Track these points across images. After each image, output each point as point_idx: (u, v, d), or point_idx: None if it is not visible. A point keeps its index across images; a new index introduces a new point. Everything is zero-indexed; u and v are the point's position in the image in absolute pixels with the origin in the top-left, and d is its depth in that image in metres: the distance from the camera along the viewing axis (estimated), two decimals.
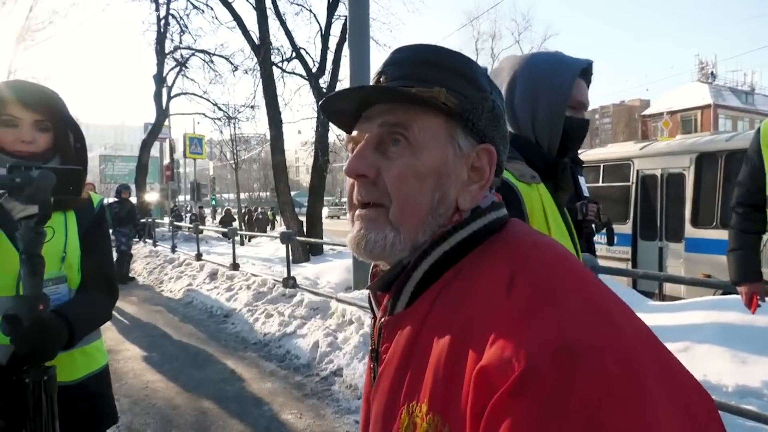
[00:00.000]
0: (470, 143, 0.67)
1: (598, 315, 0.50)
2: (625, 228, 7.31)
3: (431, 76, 0.65)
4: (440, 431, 0.53)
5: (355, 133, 0.69)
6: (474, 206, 0.66)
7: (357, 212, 0.67)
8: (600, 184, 7.81)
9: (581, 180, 4.03)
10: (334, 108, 0.70)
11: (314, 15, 15.38)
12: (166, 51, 18.54)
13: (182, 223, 18.64)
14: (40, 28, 22.58)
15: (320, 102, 0.70)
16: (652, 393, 0.44)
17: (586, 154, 7.72)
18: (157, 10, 17.67)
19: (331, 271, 8.99)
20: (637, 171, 7.45)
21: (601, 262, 3.54)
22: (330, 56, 14.58)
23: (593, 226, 3.83)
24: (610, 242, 4.12)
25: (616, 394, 0.43)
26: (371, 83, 0.70)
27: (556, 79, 1.30)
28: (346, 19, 10.26)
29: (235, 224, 22.89)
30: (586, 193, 4.00)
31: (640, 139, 14.93)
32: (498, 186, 0.74)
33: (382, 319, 0.67)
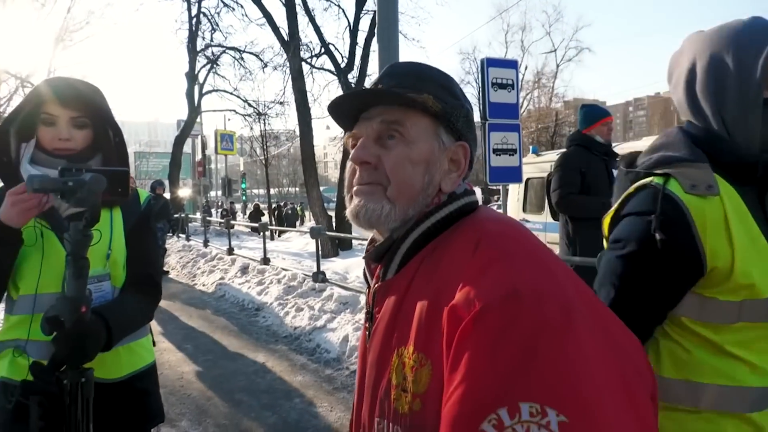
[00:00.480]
0: (450, 140, 0.82)
1: (539, 268, 0.65)
2: None
3: (420, 85, 0.81)
4: (423, 365, 0.67)
5: (355, 129, 0.83)
6: (452, 191, 0.81)
7: (356, 188, 0.81)
8: None
9: (616, 174, 3.92)
10: (340, 110, 0.84)
11: (343, 10, 15.45)
12: (198, 49, 18.89)
13: (213, 218, 18.97)
14: (77, 29, 23.16)
15: (330, 103, 0.83)
16: (579, 327, 0.59)
17: (620, 147, 7.53)
18: (189, 8, 18.00)
19: (360, 265, 9.01)
20: None
21: None
22: (358, 51, 14.64)
23: None
24: None
25: (550, 327, 0.58)
26: (364, 88, 0.87)
27: (744, 51, 1.03)
28: (374, 14, 10.25)
29: (264, 219, 23.18)
30: None
31: None
32: (661, 204, 0.96)
33: (376, 285, 0.82)
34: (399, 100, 0.79)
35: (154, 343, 1.81)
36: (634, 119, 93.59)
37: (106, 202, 1.38)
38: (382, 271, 0.81)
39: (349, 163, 0.84)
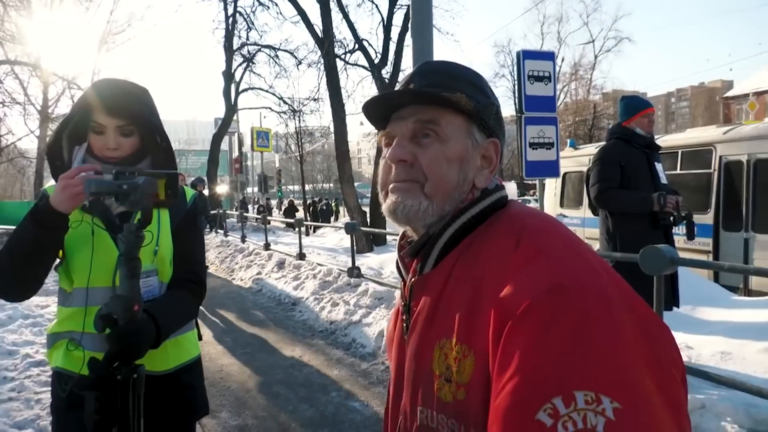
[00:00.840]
0: (482, 137, 0.85)
1: (578, 261, 0.68)
2: (705, 218, 6.85)
3: (452, 84, 0.83)
4: (466, 356, 0.70)
5: (389, 128, 0.86)
6: (485, 187, 0.85)
7: (393, 186, 0.83)
8: (677, 171, 7.35)
9: (659, 167, 3.80)
10: (374, 110, 0.87)
11: (376, 5, 15.41)
12: (234, 48, 19.21)
13: (249, 214, 19.31)
14: (119, 31, 23.91)
15: (365, 103, 0.86)
16: (619, 317, 0.61)
17: (662, 140, 7.29)
18: (225, 8, 18.30)
19: (394, 261, 9.02)
20: (720, 157, 6.95)
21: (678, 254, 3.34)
22: (392, 46, 14.58)
23: (671, 218, 3.61)
24: (690, 236, 3.82)
25: (595, 317, 0.60)
26: (399, 89, 0.86)
27: None
28: (408, 8, 10.20)
29: (299, 215, 23.45)
30: (664, 181, 3.77)
31: (723, 123, 13.93)
32: None
33: (413, 279, 0.84)
34: (434, 99, 0.81)
35: (200, 337, 1.86)
36: (676, 110, 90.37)
37: (157, 203, 1.40)
38: (419, 266, 0.83)
39: (383, 161, 0.87)
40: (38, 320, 5.62)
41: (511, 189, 36.38)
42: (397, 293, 5.84)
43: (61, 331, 1.53)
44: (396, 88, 0.88)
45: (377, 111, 0.87)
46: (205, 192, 12.60)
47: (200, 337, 1.86)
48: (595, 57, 39.69)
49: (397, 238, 0.95)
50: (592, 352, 0.58)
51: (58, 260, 1.51)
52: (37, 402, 3.65)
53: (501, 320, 0.65)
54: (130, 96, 1.49)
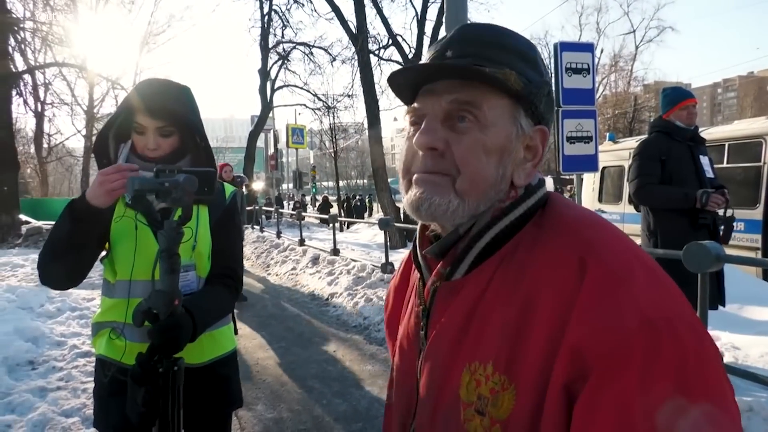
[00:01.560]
0: (529, 124, 0.71)
1: (661, 288, 0.58)
2: (754, 213, 6.55)
3: (500, 57, 0.69)
4: (506, 389, 0.61)
5: (418, 103, 0.72)
6: (526, 183, 0.71)
7: (418, 176, 0.70)
8: (724, 165, 7.06)
9: (704, 161, 3.65)
10: (402, 80, 0.73)
11: (410, 0, 15.33)
12: (270, 45, 19.47)
13: (284, 210, 19.58)
14: (160, 32, 24.62)
15: (392, 73, 0.72)
16: (709, 348, 0.55)
17: (708, 132, 7.01)
18: (261, 6, 18.56)
19: None
20: None
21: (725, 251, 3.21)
22: (426, 41, 14.50)
23: (715, 219, 3.46)
24: (726, 240, 3.65)
25: (691, 354, 0.53)
26: (431, 56, 0.73)
27: None
28: (442, 3, 10.11)
29: (333, 211, 23.63)
30: (710, 175, 3.62)
31: None
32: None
33: (437, 283, 0.73)
34: (478, 75, 0.67)
35: (236, 331, 1.89)
36: (723, 101, 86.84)
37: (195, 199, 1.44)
38: (448, 270, 0.72)
39: (406, 143, 0.73)
40: (84, 312, 5.85)
41: (547, 184, 35.70)
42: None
43: (104, 321, 1.59)
44: (430, 54, 0.74)
45: (406, 81, 0.73)
46: (243, 190, 12.83)
47: (236, 331, 1.89)
48: (636, 47, 38.51)
49: None
50: (696, 395, 0.53)
51: (104, 252, 1.57)
52: (84, 391, 3.80)
53: (578, 368, 0.55)
54: (169, 97, 1.53)
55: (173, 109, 1.52)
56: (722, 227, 3.58)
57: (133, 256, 1.51)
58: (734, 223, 3.62)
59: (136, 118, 1.52)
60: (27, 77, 18.03)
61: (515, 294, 0.64)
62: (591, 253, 0.61)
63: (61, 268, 1.48)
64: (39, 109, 24.14)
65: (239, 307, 6.78)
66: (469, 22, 4.87)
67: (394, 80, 0.74)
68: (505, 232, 0.69)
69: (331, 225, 10.28)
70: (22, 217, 14.21)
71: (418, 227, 0.82)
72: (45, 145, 26.35)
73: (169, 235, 1.25)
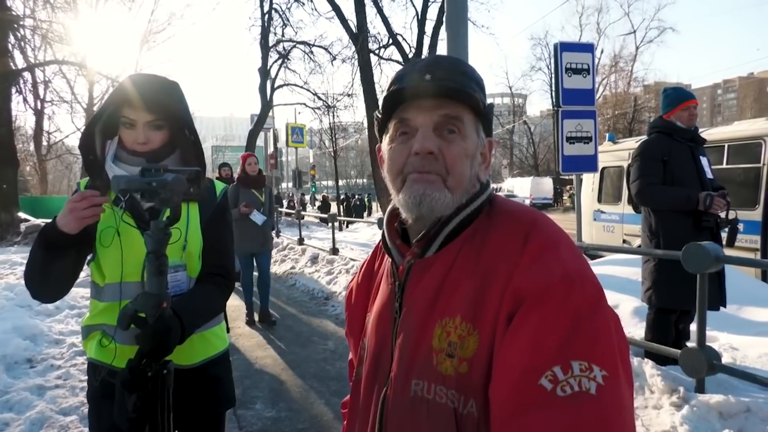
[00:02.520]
0: (483, 136, 0.91)
1: (579, 257, 0.79)
2: (753, 215, 6.55)
3: (468, 83, 0.87)
4: (471, 334, 0.78)
5: (408, 115, 0.87)
6: (482, 181, 0.92)
7: (415, 176, 0.85)
8: (724, 166, 7.05)
9: (704, 161, 3.65)
10: (398, 96, 0.88)
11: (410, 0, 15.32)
12: (270, 44, 19.44)
13: (283, 209, 19.55)
14: (160, 30, 24.59)
15: (390, 92, 0.87)
16: (604, 302, 0.75)
17: (708, 133, 7.01)
18: (261, 5, 18.54)
19: None
20: None
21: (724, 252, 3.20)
22: (426, 41, 14.53)
23: (717, 221, 3.46)
24: (731, 243, 3.64)
25: (591, 302, 0.73)
26: (411, 78, 0.88)
27: None
28: (443, 2, 10.11)
29: (333, 210, 23.60)
30: (710, 176, 3.62)
31: None
32: None
33: (412, 261, 0.89)
34: (462, 96, 0.85)
35: (228, 330, 1.87)
36: (723, 102, 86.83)
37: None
38: (420, 250, 0.88)
39: (396, 148, 0.88)
40: (83, 311, 5.84)
41: (546, 184, 35.72)
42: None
43: (94, 324, 1.58)
44: (409, 77, 0.89)
45: (395, 99, 0.88)
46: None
47: (228, 330, 1.87)
48: (637, 48, 38.55)
49: None
50: (587, 331, 0.70)
51: (90, 255, 1.55)
52: (82, 390, 3.79)
53: (516, 301, 0.74)
54: (159, 90, 1.50)
55: (163, 102, 1.49)
56: (727, 230, 3.57)
57: (121, 258, 1.48)
58: (737, 227, 3.61)
59: (124, 112, 1.49)
60: (27, 75, 17.99)
61: (477, 265, 0.82)
62: (533, 229, 0.81)
63: (45, 287, 1.50)
64: (38, 106, 24.13)
65: (237, 307, 6.76)
66: (469, 21, 4.86)
67: (392, 95, 0.88)
68: (467, 219, 0.87)
69: (330, 224, 10.27)
70: (21, 214, 14.18)
71: (385, 221, 0.97)
72: (44, 143, 26.33)
73: (156, 237, 1.23)
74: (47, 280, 1.47)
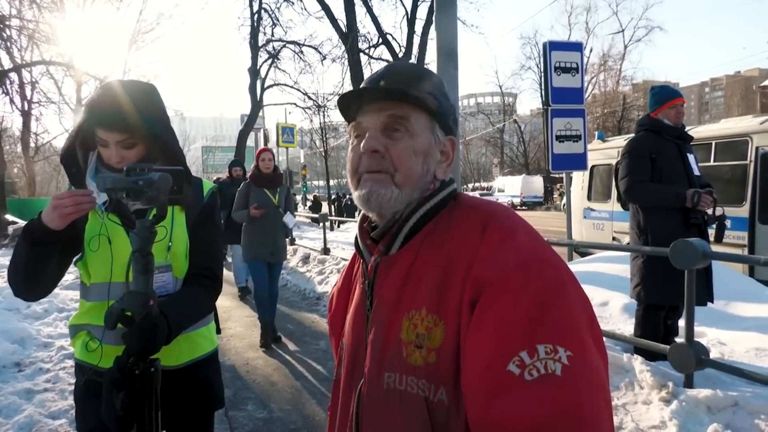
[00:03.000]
0: (442, 135, 0.95)
1: (537, 243, 0.82)
2: (740, 211, 6.62)
3: (421, 86, 0.92)
4: (437, 324, 0.81)
5: (361, 119, 0.93)
6: (443, 179, 0.95)
7: (366, 176, 0.90)
8: (711, 163, 7.13)
9: (691, 159, 3.68)
10: (346, 103, 0.95)
11: None
12: (260, 44, 19.35)
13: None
14: (148, 30, 24.42)
15: (341, 96, 0.93)
16: (568, 285, 0.77)
17: (695, 131, 7.07)
18: (251, 4, 18.45)
19: None
20: (757, 148, 6.70)
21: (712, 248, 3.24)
22: (416, 40, 14.54)
23: (704, 218, 3.49)
24: (719, 239, 3.68)
25: (551, 286, 0.75)
26: (368, 85, 0.94)
27: None
28: (432, 1, 10.13)
29: (324, 210, 23.56)
30: (697, 173, 3.65)
31: (760, 113, 13.44)
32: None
33: (378, 259, 0.92)
34: (407, 97, 0.89)
35: (219, 331, 1.87)
36: (710, 101, 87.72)
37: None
38: (385, 247, 0.92)
39: (353, 150, 0.94)
40: (72, 314, 5.75)
41: (536, 183, 35.88)
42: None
43: (80, 324, 1.58)
44: (365, 84, 0.95)
45: (350, 104, 0.95)
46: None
47: (219, 331, 1.86)
48: (625, 47, 38.84)
49: None
50: (550, 314, 0.72)
51: (79, 255, 1.55)
52: (71, 393, 3.74)
53: (476, 292, 0.77)
54: (130, 106, 1.45)
55: (134, 118, 1.45)
56: (714, 226, 3.60)
57: (110, 257, 1.48)
58: (725, 223, 3.65)
59: (97, 132, 1.47)
60: (13, 75, 17.77)
61: (439, 258, 0.85)
62: (490, 220, 0.84)
63: (29, 285, 1.49)
64: (26, 107, 23.82)
65: (228, 308, 6.72)
66: (459, 21, 4.87)
67: (344, 101, 0.94)
68: (428, 215, 0.91)
69: (321, 224, 10.25)
70: (9, 217, 14.05)
71: (358, 223, 1.01)
72: (32, 145, 26.00)
73: (142, 235, 1.23)
74: (30, 276, 1.46)
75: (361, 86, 0.94)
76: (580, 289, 0.80)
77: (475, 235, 0.83)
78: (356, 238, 1.01)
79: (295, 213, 5.94)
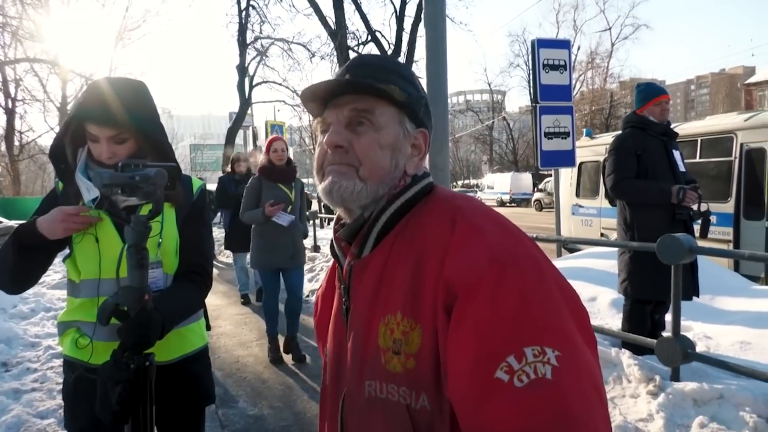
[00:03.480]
0: (412, 127, 0.91)
1: (509, 236, 0.78)
2: (725, 207, 6.72)
3: (386, 77, 0.88)
4: (413, 328, 0.77)
5: (325, 115, 0.90)
6: (414, 173, 0.90)
7: (329, 168, 0.87)
8: (697, 159, 7.22)
9: (677, 155, 3.72)
10: (311, 96, 0.90)
11: None
12: (248, 41, 19.24)
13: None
14: (135, 27, 24.17)
15: (304, 90, 0.89)
16: (547, 278, 0.73)
17: (681, 128, 7.15)
18: (239, 1, 18.33)
19: None
20: (741, 145, 6.80)
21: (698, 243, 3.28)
22: (405, 37, 14.54)
23: (689, 213, 3.54)
24: (704, 235, 3.72)
25: (530, 281, 0.71)
26: (333, 78, 0.90)
27: None
28: None
29: (314, 207, 23.49)
30: (683, 169, 3.69)
31: (744, 110, 13.59)
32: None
33: (351, 263, 0.88)
34: (370, 90, 0.86)
35: (209, 327, 1.87)
36: (696, 98, 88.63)
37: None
38: (357, 250, 0.88)
39: (319, 146, 0.90)
40: (59, 313, 5.68)
41: (525, 179, 36.07)
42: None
43: (69, 321, 1.57)
44: (332, 78, 0.92)
45: (314, 99, 0.91)
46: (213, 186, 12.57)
47: (209, 328, 1.87)
48: (612, 45, 39.18)
49: None
50: (532, 312, 0.69)
51: (67, 251, 1.55)
52: (59, 393, 3.71)
53: (450, 295, 0.73)
54: (121, 102, 1.45)
55: (125, 114, 1.45)
56: (699, 222, 3.65)
57: (98, 254, 1.49)
58: (709, 218, 3.69)
59: (87, 127, 1.47)
60: None
61: (409, 256, 0.81)
62: (459, 215, 0.80)
63: (16, 284, 1.51)
64: (10, 105, 23.49)
65: (219, 306, 6.68)
66: (447, 18, 4.88)
67: (306, 98, 0.90)
68: (398, 213, 0.86)
69: (311, 221, 10.23)
70: None
71: (333, 225, 0.98)
72: (16, 143, 25.63)
73: (138, 230, 1.23)
74: (18, 277, 1.48)
75: (325, 81, 0.90)
76: (559, 276, 0.76)
77: (443, 231, 0.79)
78: (332, 241, 0.97)
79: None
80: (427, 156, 0.94)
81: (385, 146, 0.86)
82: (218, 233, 11.69)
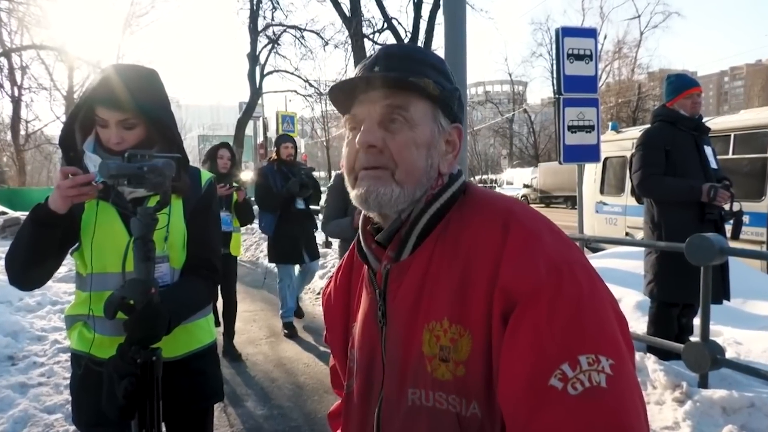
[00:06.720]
0: (447, 123, 0.86)
1: (563, 243, 0.76)
2: (759, 206, 6.42)
3: (419, 69, 0.83)
4: (462, 335, 0.75)
5: (355, 111, 0.85)
6: (449, 172, 0.87)
7: (363, 173, 0.83)
8: (729, 156, 6.93)
9: (708, 151, 3.55)
10: (339, 95, 0.86)
11: None
12: (259, 29, 19.10)
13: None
14: (143, 14, 24.16)
15: (334, 86, 0.84)
16: (599, 286, 0.73)
17: (713, 122, 6.87)
18: None
19: None
20: None
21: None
22: (423, 25, 14.34)
23: (721, 213, 3.37)
24: (736, 235, 3.57)
25: (585, 291, 0.71)
26: (360, 72, 0.85)
27: None
28: None
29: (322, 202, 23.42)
30: (714, 165, 3.53)
31: None
32: None
33: (388, 266, 0.85)
34: (404, 84, 0.81)
35: (218, 324, 1.81)
36: (729, 90, 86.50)
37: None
38: (395, 252, 0.84)
39: (348, 146, 0.86)
40: (65, 306, 5.70)
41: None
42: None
43: (77, 314, 1.57)
44: (358, 71, 0.87)
45: (343, 94, 0.86)
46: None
47: (218, 324, 1.81)
48: (641, 33, 38.23)
49: None
50: (587, 320, 0.68)
51: (75, 245, 1.54)
52: (66, 387, 3.69)
53: (509, 303, 0.71)
54: (131, 87, 1.45)
55: (136, 99, 1.45)
56: (731, 222, 3.50)
57: (106, 247, 1.48)
58: (742, 219, 3.54)
59: (97, 111, 1.46)
60: (3, 60, 17.64)
61: (455, 261, 0.79)
62: (511, 219, 0.77)
63: (27, 268, 1.48)
64: (16, 93, 23.45)
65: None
66: (467, 5, 4.70)
67: (334, 95, 0.86)
68: (438, 215, 0.84)
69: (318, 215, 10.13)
70: None
71: (360, 224, 0.93)
72: (22, 132, 25.69)
73: (144, 221, 1.22)
74: (29, 258, 1.45)
75: (354, 75, 0.86)
76: (605, 284, 0.75)
77: (495, 236, 0.76)
78: (358, 241, 0.92)
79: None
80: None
81: (420, 145, 0.82)
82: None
